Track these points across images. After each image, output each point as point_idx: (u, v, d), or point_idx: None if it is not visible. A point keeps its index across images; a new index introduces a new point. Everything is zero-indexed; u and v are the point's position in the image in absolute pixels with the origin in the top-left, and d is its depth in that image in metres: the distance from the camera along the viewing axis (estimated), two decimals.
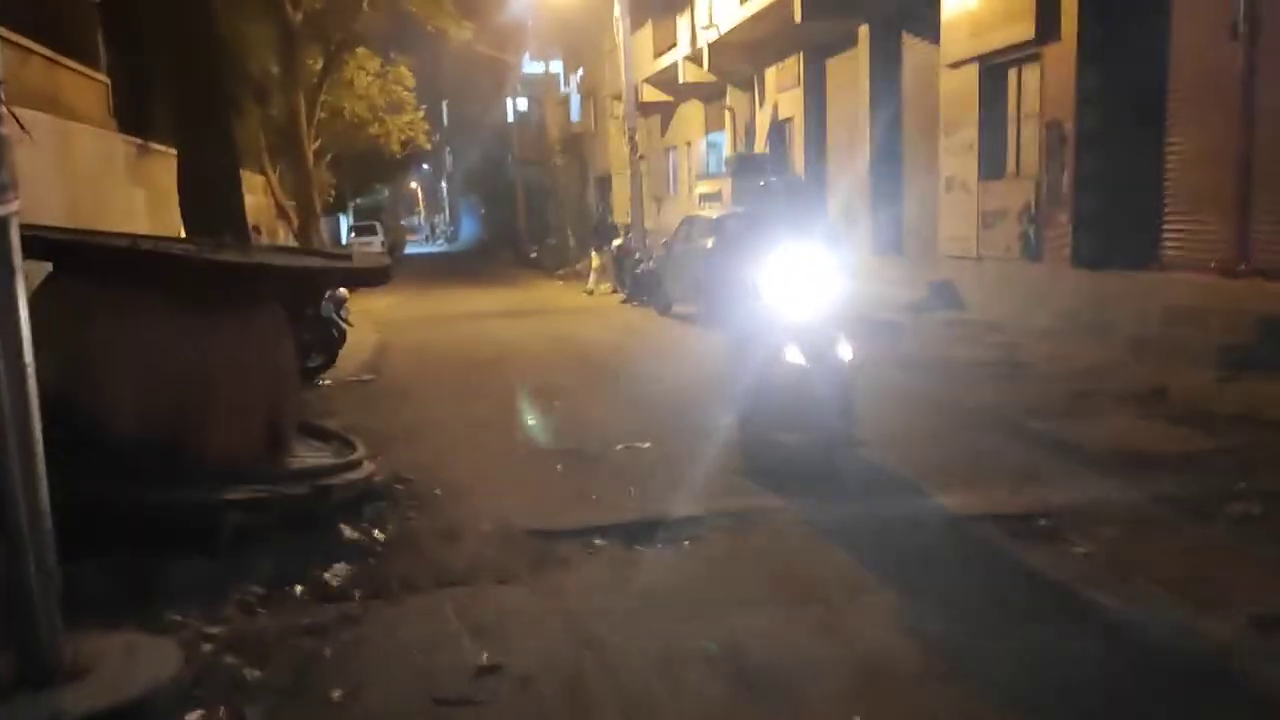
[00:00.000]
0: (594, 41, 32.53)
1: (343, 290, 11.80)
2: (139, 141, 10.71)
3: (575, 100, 37.50)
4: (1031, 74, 11.89)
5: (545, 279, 29.35)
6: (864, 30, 16.00)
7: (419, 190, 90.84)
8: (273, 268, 4.96)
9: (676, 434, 7.33)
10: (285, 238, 20.96)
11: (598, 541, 4.90)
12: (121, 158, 10.62)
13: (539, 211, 42.65)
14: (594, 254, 22.91)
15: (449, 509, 5.59)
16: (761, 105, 20.84)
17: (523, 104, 49.83)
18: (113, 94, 11.34)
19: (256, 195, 21.80)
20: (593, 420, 8.11)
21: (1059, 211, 11.26)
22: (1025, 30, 11.43)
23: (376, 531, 5.09)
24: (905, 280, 14.45)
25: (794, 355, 5.84)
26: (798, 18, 15.52)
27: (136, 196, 10.50)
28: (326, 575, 4.49)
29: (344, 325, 11.17)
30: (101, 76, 11.27)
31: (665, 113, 28.33)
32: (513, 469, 6.59)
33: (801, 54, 18.59)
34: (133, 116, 11.14)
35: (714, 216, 14.88)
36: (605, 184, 33.39)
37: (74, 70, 10.12)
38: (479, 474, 6.44)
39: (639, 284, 18.70)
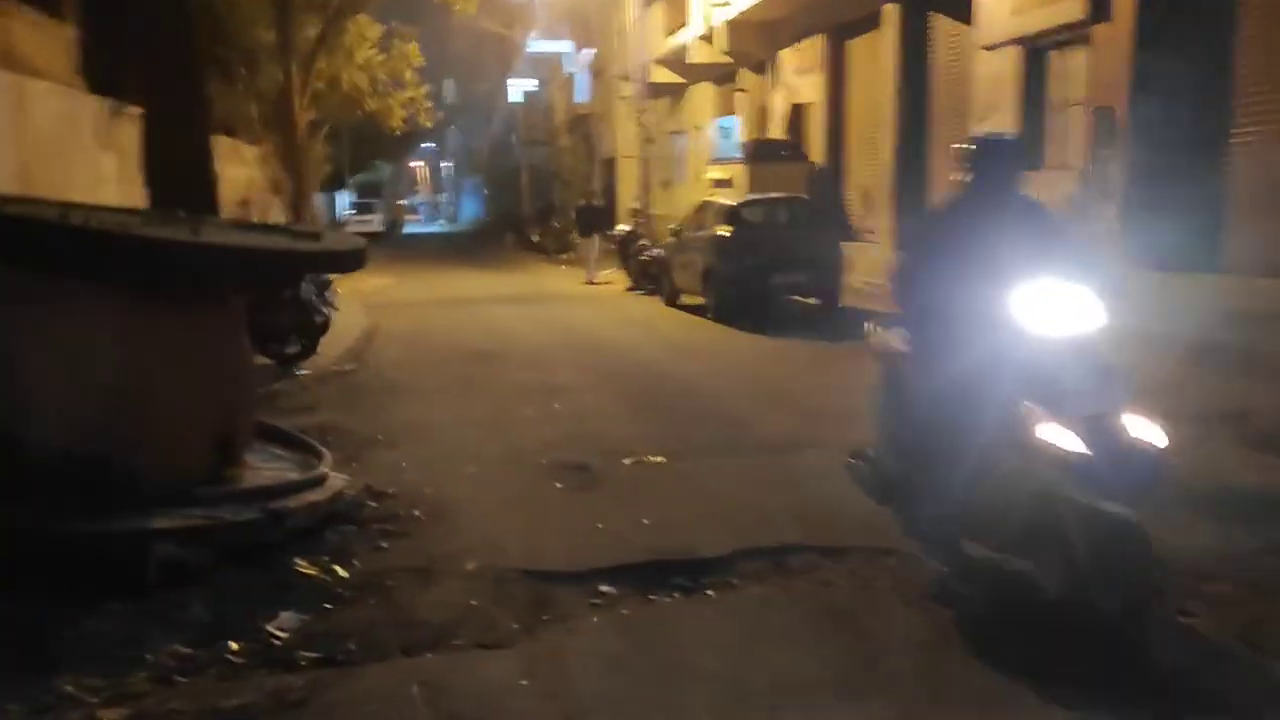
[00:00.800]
0: (604, 19, 31.56)
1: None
2: (112, 102, 9.79)
3: (583, 81, 36.49)
4: (1078, 57, 11.01)
5: (548, 263, 28.45)
6: (891, 9, 15.08)
7: (422, 169, 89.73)
8: (222, 249, 4.12)
9: (694, 447, 6.49)
10: (278, 213, 20.05)
11: (604, 588, 4.06)
12: (89, 119, 9.72)
13: (543, 194, 41.67)
14: (582, 240, 21.77)
15: (429, 537, 4.76)
16: (777, 88, 19.92)
17: (530, 84, 48.77)
18: (83, 48, 10.43)
19: (250, 167, 20.87)
20: (597, 426, 7.27)
21: (1106, 205, 10.39)
22: (1074, 9, 10.54)
23: (338, 568, 4.25)
24: None
25: (1065, 437, 3.27)
26: None
27: (106, 163, 9.62)
28: (271, 628, 3.66)
29: (326, 310, 10.31)
30: (68, 28, 10.36)
31: (675, 95, 27.38)
32: (506, 485, 5.75)
33: (823, 35, 17.65)
34: (106, 74, 10.22)
35: (729, 203, 14.00)
36: (612, 167, 32.44)
37: (30, 19, 9.22)
38: (467, 490, 5.60)
39: (645, 272, 17.84)
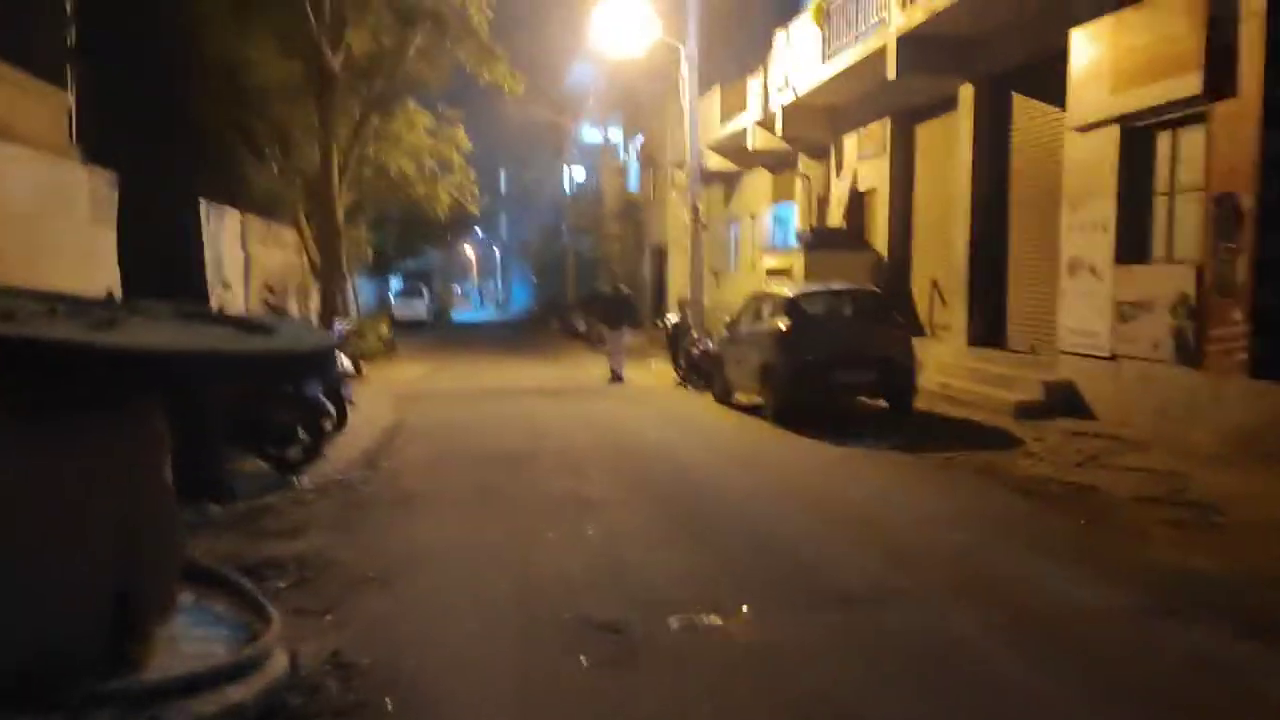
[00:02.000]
0: (656, 107, 31.04)
1: (345, 362, 9.89)
2: (110, 174, 8.90)
3: (634, 169, 36.00)
4: (1192, 137, 9.75)
5: (591, 353, 27.38)
6: (967, 91, 14.00)
7: (473, 256, 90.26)
8: (110, 351, 2.97)
9: (757, 598, 5.14)
10: (313, 299, 19.27)
11: None
12: (84, 192, 8.83)
13: (590, 281, 41.01)
14: (609, 332, 18.95)
15: None
16: (839, 174, 18.88)
17: (580, 173, 48.73)
18: (79, 116, 9.66)
19: (286, 251, 20.20)
20: (636, 559, 5.96)
21: (1230, 306, 9.01)
22: (1189, 84, 9.32)
23: None
24: (1011, 378, 12.20)
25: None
26: (891, 74, 13.57)
27: (102, 240, 8.72)
28: None
29: (335, 408, 9.21)
30: (59, 92, 9.59)
31: (729, 182, 26.55)
32: (512, 655, 4.43)
33: (889, 119, 16.63)
34: (107, 144, 9.41)
35: (788, 294, 12.80)
36: (661, 256, 31.58)
37: (10, 81, 8.39)
38: (460, 663, 4.30)
39: (696, 366, 16.61)
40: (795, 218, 21.25)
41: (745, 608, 4.98)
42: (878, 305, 13.07)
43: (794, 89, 17.92)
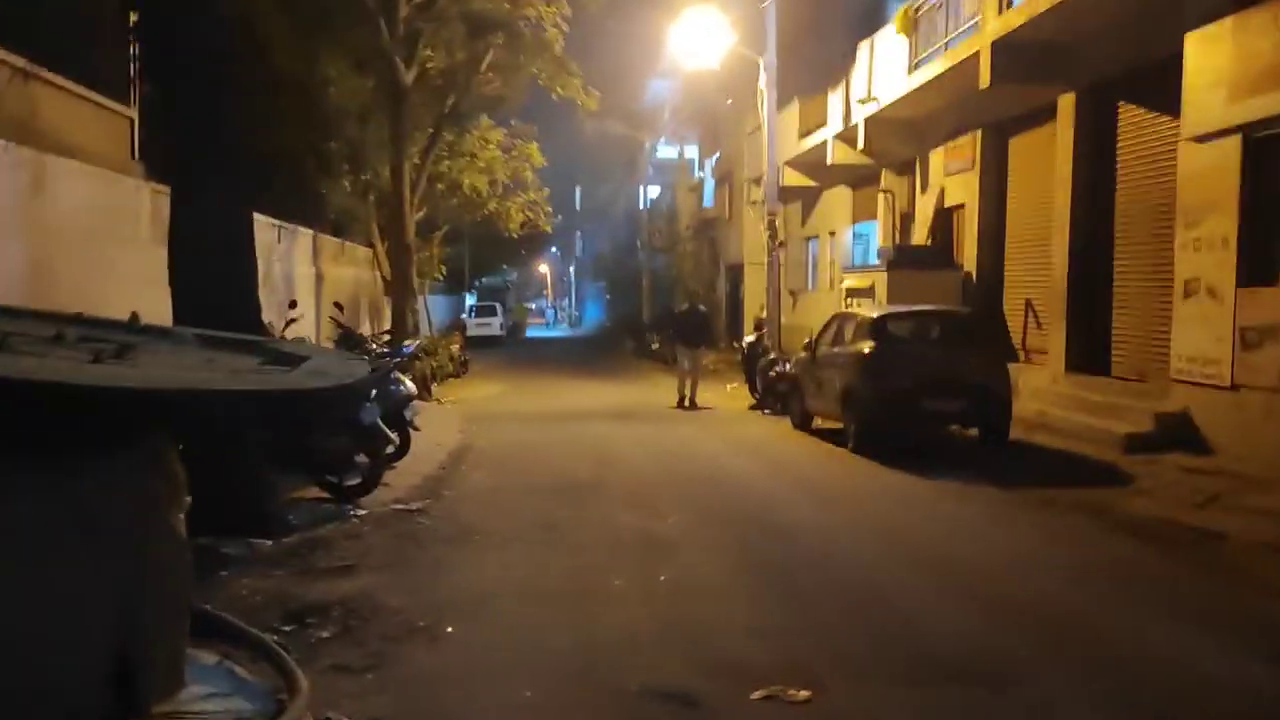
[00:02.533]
0: (733, 122, 30.52)
1: (408, 385, 9.51)
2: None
3: (709, 185, 35.46)
4: None
5: (666, 374, 26.83)
6: (1067, 100, 13.16)
7: (547, 273, 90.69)
8: (89, 390, 2.53)
9: (850, 666, 4.52)
10: (384, 316, 19.11)
11: None
12: (145, 211, 8.61)
13: (664, 300, 40.50)
14: (681, 349, 17.56)
15: None
16: (924, 190, 18.09)
17: (654, 190, 48.44)
18: (143, 134, 9.51)
19: (359, 268, 20.10)
20: (711, 614, 5.37)
21: None
22: None
23: None
24: (1118, 408, 11.31)
25: None
26: (984, 81, 12.81)
27: (163, 259, 8.48)
28: None
29: (398, 433, 8.81)
30: (121, 108, 9.43)
31: (807, 199, 25.83)
32: None
33: (979, 131, 15.82)
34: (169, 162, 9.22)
35: (873, 315, 12.10)
36: (737, 274, 30.93)
37: (69, 91, 8.23)
38: None
39: (772, 390, 15.96)
40: (877, 236, 20.48)
41: (836, 679, 4.36)
42: (969, 328, 12.30)
43: (878, 101, 17.22)
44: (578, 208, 67.21)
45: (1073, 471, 9.93)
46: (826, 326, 13.46)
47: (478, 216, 22.83)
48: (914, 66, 15.67)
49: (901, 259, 16.19)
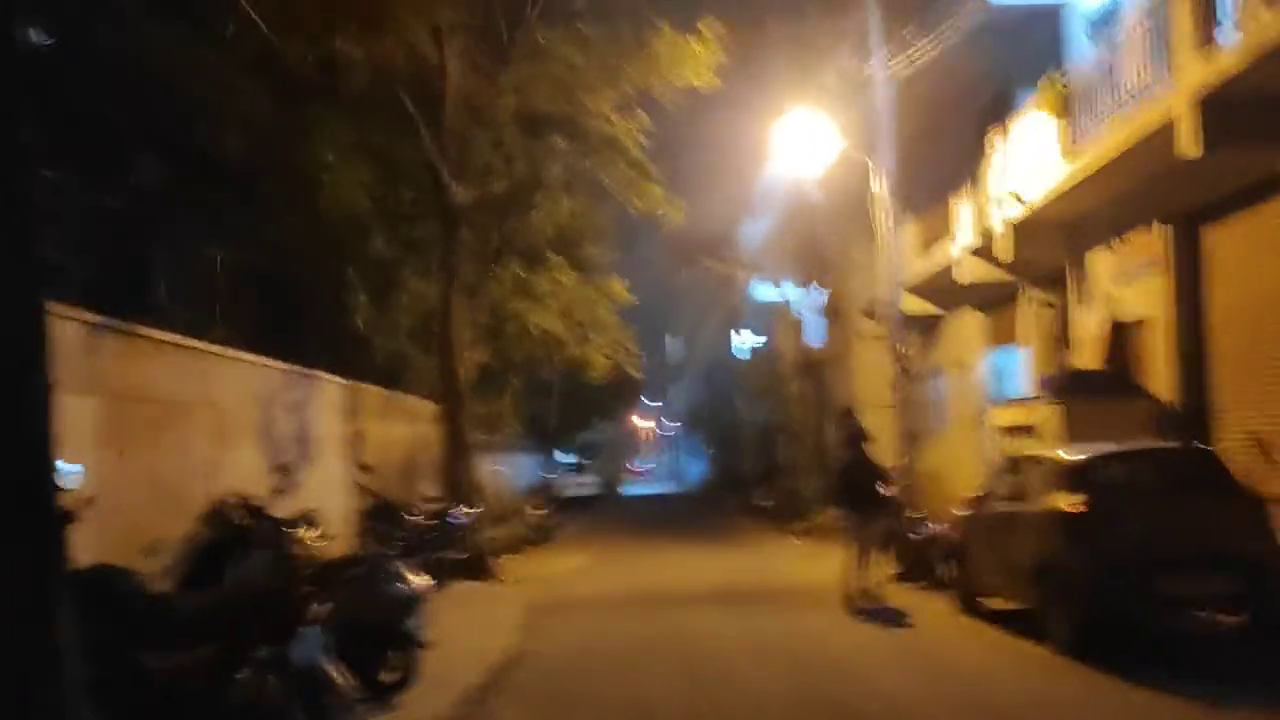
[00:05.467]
0: (838, 250, 27.88)
1: (415, 581, 6.57)
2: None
3: (810, 322, 32.58)
4: None
5: (775, 533, 23.47)
6: None
7: (649, 429, 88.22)
8: None
9: None
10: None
11: None
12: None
13: (767, 451, 37.29)
14: (849, 515, 11.89)
15: None
16: (1083, 303, 14.81)
17: (755, 339, 46.04)
18: None
19: (418, 425, 17.53)
20: None
21: None
22: None
23: None
24: None
25: None
26: (1193, 149, 9.72)
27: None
28: None
29: (401, 651, 5.85)
30: None
31: (927, 329, 22.66)
32: None
33: (1163, 224, 12.63)
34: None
35: (1071, 459, 8.77)
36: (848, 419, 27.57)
37: None
38: None
39: (920, 556, 12.53)
40: (1024, 363, 17.15)
41: None
42: (1210, 472, 8.82)
43: (1021, 201, 14.23)
44: (667, 358, 64.98)
45: None
46: (999, 474, 10.17)
47: (555, 363, 20.21)
48: (1072, 150, 12.73)
49: (1076, 386, 12.84)
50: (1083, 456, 8.71)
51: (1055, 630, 8.20)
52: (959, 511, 11.04)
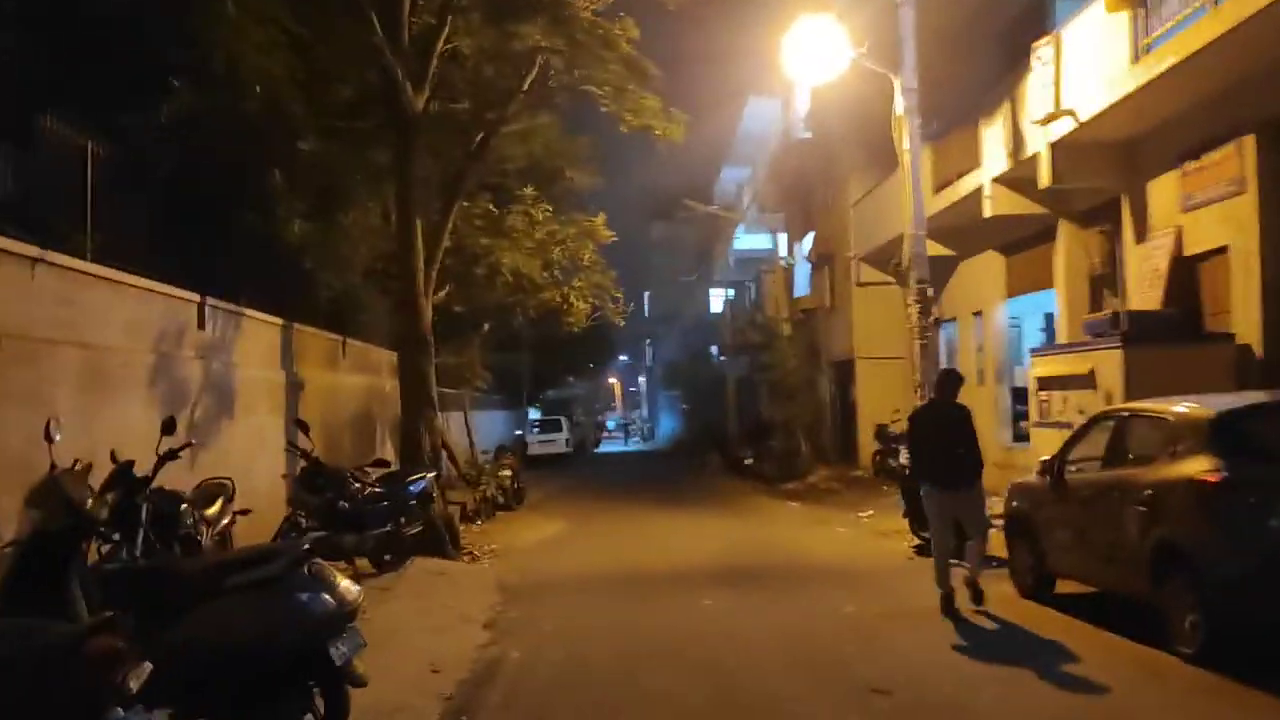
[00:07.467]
0: (833, 193, 25.89)
1: (341, 590, 4.57)
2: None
3: (801, 272, 30.60)
4: None
5: (769, 495, 21.64)
6: None
7: (617, 386, 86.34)
8: None
9: None
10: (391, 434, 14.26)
11: None
12: None
13: (749, 407, 35.46)
14: (933, 504, 8.69)
15: None
16: (1141, 238, 12.95)
17: (731, 291, 44.19)
18: None
19: (378, 377, 15.45)
20: None
21: None
22: None
23: None
24: None
25: None
26: None
27: None
28: None
29: (326, 688, 3.90)
30: None
31: (937, 273, 20.75)
32: None
33: (1246, 137, 10.73)
34: None
35: (1206, 414, 6.84)
36: (845, 373, 25.72)
37: None
38: None
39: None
40: (1059, 308, 15.35)
41: None
42: None
43: (1073, 116, 12.28)
44: (645, 314, 62.91)
45: None
46: (1079, 434, 8.29)
47: (531, 308, 18.08)
48: (1143, 50, 10.77)
49: (1141, 330, 10.96)
50: (1213, 411, 6.81)
51: (1180, 631, 6.39)
52: (1023, 481, 9.17)
